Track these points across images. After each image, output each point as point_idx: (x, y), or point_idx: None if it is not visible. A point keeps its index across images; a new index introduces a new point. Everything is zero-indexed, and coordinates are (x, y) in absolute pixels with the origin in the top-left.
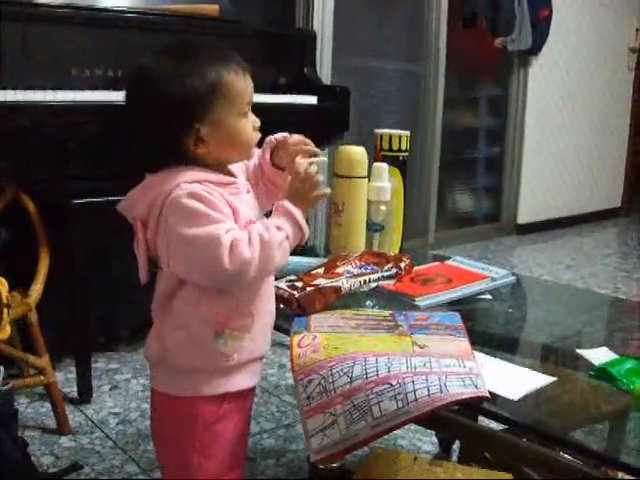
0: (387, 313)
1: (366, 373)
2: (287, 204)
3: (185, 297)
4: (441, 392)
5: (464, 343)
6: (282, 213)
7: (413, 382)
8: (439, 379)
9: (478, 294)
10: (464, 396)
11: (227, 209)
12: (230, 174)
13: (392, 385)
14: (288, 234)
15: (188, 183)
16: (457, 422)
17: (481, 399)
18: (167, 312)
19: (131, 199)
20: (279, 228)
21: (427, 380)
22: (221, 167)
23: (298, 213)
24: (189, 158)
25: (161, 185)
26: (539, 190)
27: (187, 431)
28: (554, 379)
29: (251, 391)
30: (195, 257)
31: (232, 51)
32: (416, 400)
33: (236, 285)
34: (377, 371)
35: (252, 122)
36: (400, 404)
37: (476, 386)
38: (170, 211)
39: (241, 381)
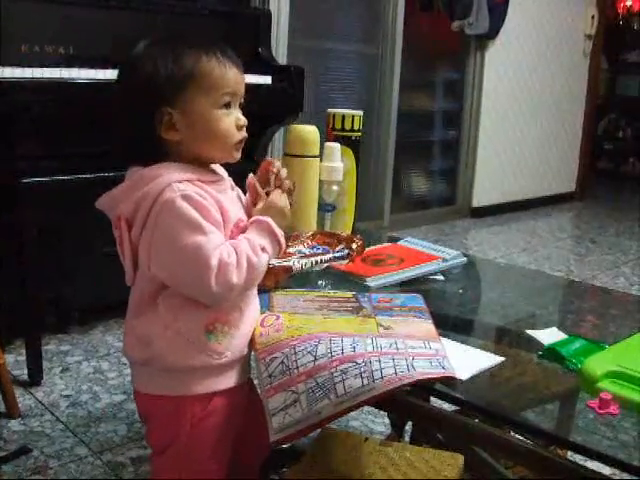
0: (350, 294)
1: (331, 352)
2: (271, 223)
3: (171, 296)
4: (408, 371)
5: (429, 325)
6: (267, 232)
7: (379, 361)
8: (406, 360)
9: (430, 275)
10: (432, 376)
11: (217, 214)
12: (214, 172)
13: (357, 363)
14: (270, 254)
15: (179, 183)
16: (409, 403)
17: (448, 379)
18: (151, 312)
19: (114, 197)
20: (264, 249)
21: (394, 360)
22: (204, 166)
23: (280, 233)
24: (165, 149)
25: (149, 182)
26: (494, 174)
27: (174, 428)
28: (503, 359)
29: (241, 387)
30: (181, 270)
31: (223, 43)
32: (382, 377)
33: (217, 304)
34: (342, 350)
35: (235, 118)
36: (365, 381)
37: (443, 367)
38: (163, 212)
39: (231, 378)
